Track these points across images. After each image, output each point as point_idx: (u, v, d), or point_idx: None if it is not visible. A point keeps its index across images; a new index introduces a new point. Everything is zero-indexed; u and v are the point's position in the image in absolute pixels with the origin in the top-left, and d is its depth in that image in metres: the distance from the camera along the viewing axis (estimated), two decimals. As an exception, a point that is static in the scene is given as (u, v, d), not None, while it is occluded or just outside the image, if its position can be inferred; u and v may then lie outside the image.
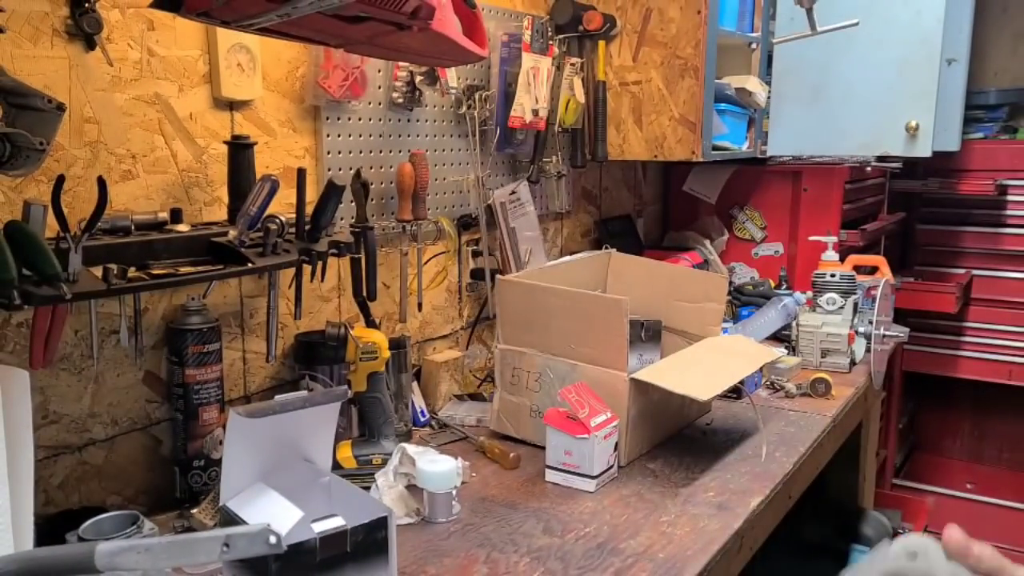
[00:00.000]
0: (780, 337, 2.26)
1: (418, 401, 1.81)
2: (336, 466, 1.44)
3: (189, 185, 1.44)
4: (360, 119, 1.72)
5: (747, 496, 1.43)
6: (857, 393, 2.01)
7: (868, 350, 2.13)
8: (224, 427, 1.21)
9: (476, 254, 2.05)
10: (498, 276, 1.79)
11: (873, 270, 2.59)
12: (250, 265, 1.32)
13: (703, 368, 1.65)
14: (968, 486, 3.58)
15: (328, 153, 1.67)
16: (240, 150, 1.43)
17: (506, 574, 1.18)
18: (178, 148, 1.41)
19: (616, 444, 1.50)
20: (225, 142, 1.44)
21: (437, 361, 1.88)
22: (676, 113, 2.16)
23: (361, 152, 1.74)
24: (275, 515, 1.01)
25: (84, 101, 1.28)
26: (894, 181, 3.34)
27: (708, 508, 1.39)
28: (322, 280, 1.56)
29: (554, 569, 1.20)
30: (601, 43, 2.19)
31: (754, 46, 2.50)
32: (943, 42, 2.36)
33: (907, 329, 2.27)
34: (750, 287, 2.49)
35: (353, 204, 1.66)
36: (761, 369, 1.85)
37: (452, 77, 1.82)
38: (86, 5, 1.24)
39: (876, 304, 2.11)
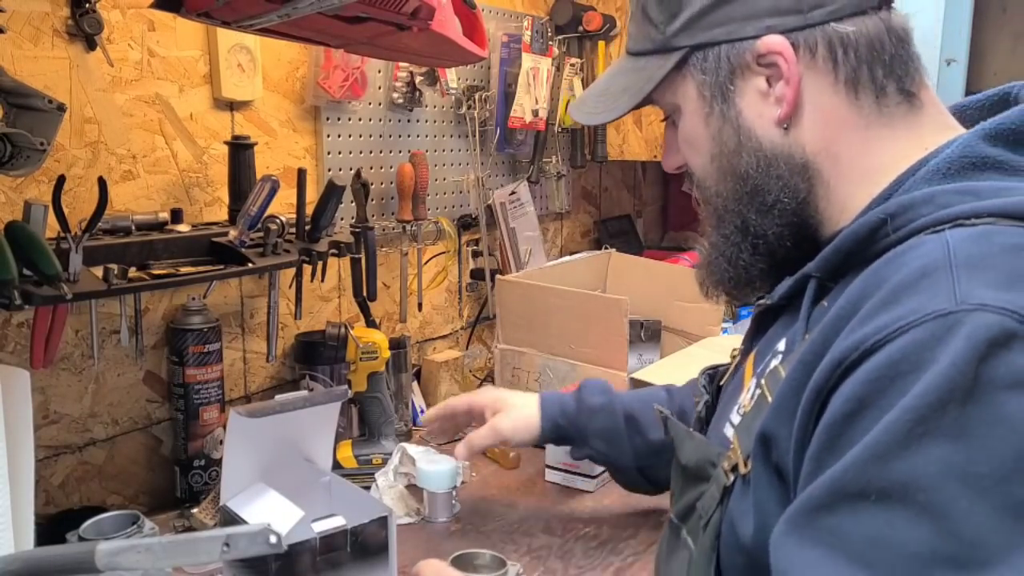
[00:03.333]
0: (780, 337, 2.26)
1: (418, 401, 1.81)
2: (336, 466, 1.44)
3: (189, 185, 1.44)
4: (360, 119, 1.72)
5: (747, 496, 1.43)
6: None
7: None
8: (224, 427, 1.21)
9: (476, 254, 2.05)
10: (498, 276, 1.80)
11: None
12: (250, 265, 1.32)
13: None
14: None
15: (328, 153, 1.67)
16: (240, 150, 1.43)
17: (506, 574, 1.18)
18: (178, 148, 1.42)
19: (616, 444, 1.50)
20: (225, 142, 1.44)
21: (437, 361, 1.88)
22: (676, 113, 2.16)
23: (361, 152, 1.74)
24: (275, 515, 1.01)
25: (85, 101, 1.28)
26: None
27: (708, 508, 1.39)
28: (322, 280, 1.56)
29: (554, 569, 1.20)
30: (601, 43, 2.18)
31: (754, 46, 2.50)
32: (942, 43, 2.36)
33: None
34: (750, 287, 2.49)
35: (353, 204, 1.66)
36: (761, 369, 1.85)
37: (452, 77, 1.82)
38: (87, 5, 1.24)
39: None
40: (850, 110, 0.74)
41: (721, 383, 0.92)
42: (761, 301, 0.81)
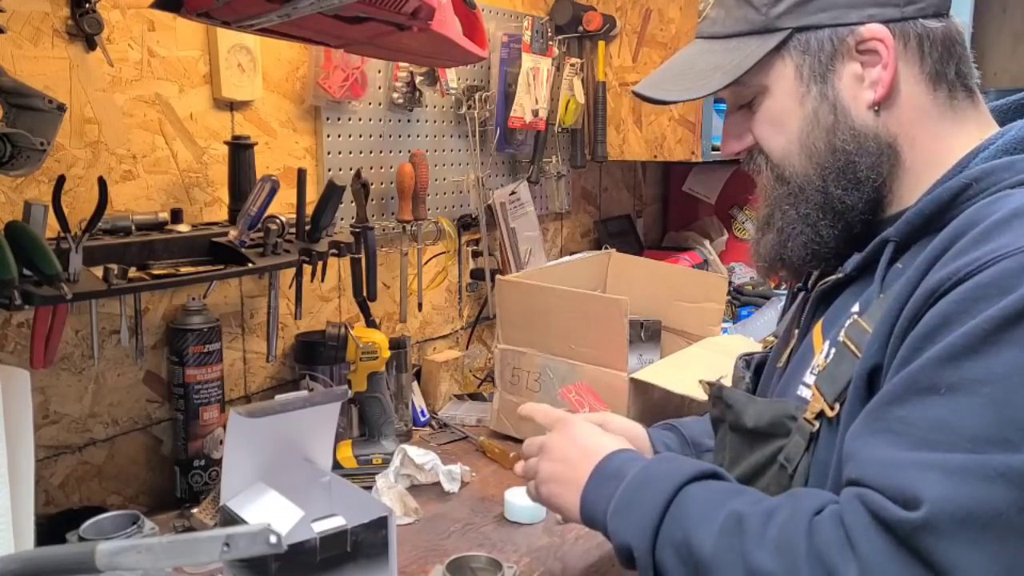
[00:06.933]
0: (780, 337, 2.26)
1: (418, 401, 1.81)
2: (336, 466, 1.44)
3: (189, 185, 1.44)
4: (360, 119, 1.72)
5: (747, 496, 1.43)
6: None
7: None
8: (224, 427, 1.21)
9: (476, 254, 2.05)
10: (498, 276, 1.80)
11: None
12: (250, 265, 1.32)
13: (703, 368, 1.64)
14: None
15: (328, 153, 1.67)
16: (240, 150, 1.43)
17: (506, 574, 1.18)
18: (178, 148, 1.42)
19: (616, 444, 1.50)
20: (225, 142, 1.44)
21: (437, 361, 1.88)
22: (675, 113, 2.16)
23: (361, 152, 1.74)
24: (275, 515, 1.01)
25: (85, 101, 1.28)
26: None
27: (708, 508, 1.38)
28: (322, 280, 1.56)
29: (554, 569, 1.20)
30: (601, 43, 2.19)
31: (754, 46, 2.50)
32: (943, 42, 2.36)
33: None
34: (750, 287, 2.49)
35: (353, 204, 1.66)
36: (761, 369, 1.85)
37: (452, 77, 1.82)
38: (87, 5, 1.24)
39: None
40: (929, 99, 0.83)
41: (779, 363, 0.95)
42: (828, 278, 0.87)
